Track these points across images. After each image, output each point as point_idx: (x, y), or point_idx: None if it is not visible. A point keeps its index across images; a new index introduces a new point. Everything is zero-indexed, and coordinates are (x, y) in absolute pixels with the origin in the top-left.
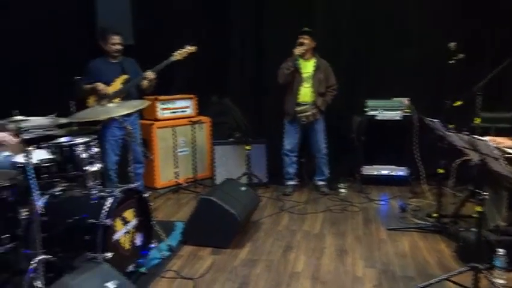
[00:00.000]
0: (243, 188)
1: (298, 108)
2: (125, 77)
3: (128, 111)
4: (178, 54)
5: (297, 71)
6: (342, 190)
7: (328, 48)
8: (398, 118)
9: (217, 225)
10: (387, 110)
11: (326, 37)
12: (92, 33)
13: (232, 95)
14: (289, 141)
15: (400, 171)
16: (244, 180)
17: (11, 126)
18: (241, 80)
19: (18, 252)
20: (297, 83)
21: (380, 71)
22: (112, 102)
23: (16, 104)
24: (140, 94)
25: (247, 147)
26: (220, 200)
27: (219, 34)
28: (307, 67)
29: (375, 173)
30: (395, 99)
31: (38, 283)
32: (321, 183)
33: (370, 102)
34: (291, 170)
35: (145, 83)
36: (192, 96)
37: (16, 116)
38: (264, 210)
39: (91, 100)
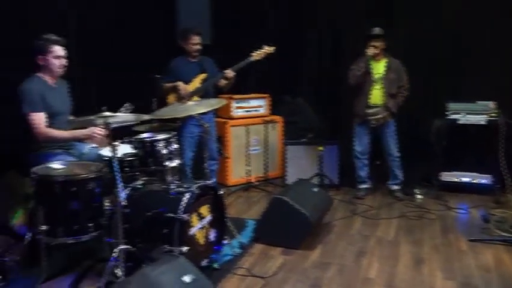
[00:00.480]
0: (316, 189)
1: (369, 111)
2: (203, 75)
3: (206, 110)
4: (257, 55)
5: (368, 72)
6: (419, 196)
7: (407, 47)
8: (482, 123)
9: (289, 225)
10: (471, 114)
11: (405, 35)
12: (171, 32)
13: (305, 95)
14: (360, 143)
15: (483, 179)
16: (315, 181)
17: (100, 121)
18: (315, 80)
19: (102, 240)
20: (368, 85)
21: (463, 72)
22: (191, 100)
23: (103, 100)
24: (216, 93)
25: (320, 148)
26: (292, 200)
27: (294, 34)
28: (379, 68)
29: (455, 179)
30: (479, 102)
31: (119, 271)
32: (395, 187)
33: (452, 105)
34: (363, 173)
35: (223, 81)
36: (265, 95)
37: (104, 111)
38: (336, 212)
39: (171, 98)
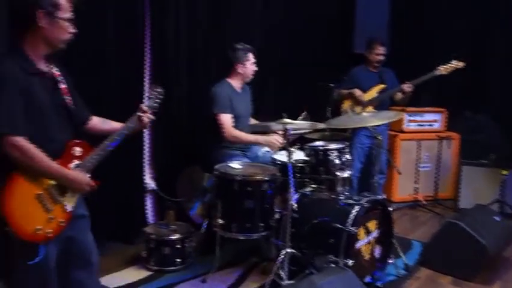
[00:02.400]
0: (497, 218)
1: None
2: (382, 86)
3: (382, 122)
4: (444, 69)
5: None
6: None
7: None
8: None
9: (462, 253)
10: None
11: None
12: (348, 42)
13: (489, 111)
14: None
15: None
16: (494, 208)
17: (278, 127)
18: (502, 94)
19: (269, 241)
20: None
21: None
22: (365, 110)
23: (279, 106)
24: (391, 105)
25: (504, 172)
26: (469, 227)
27: (479, 48)
28: None
29: None
30: None
31: (283, 273)
32: None
33: None
34: None
35: (399, 95)
36: (442, 109)
37: (285, 118)
38: None
39: (346, 104)
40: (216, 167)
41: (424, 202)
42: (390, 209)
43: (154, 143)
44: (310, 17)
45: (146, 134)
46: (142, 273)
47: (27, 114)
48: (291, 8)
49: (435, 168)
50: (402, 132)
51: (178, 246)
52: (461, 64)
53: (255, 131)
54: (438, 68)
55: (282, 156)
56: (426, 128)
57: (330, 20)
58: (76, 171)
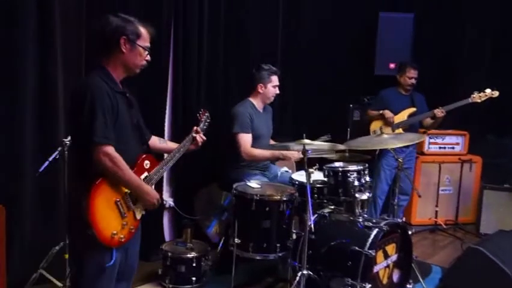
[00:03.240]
0: None
1: None
2: (412, 109)
3: (402, 145)
4: (478, 97)
5: None
6: None
7: None
8: None
9: (485, 282)
10: None
11: None
12: (370, 64)
13: None
14: None
15: None
16: None
17: (297, 147)
18: None
19: (285, 261)
20: None
21: None
22: (394, 132)
23: (299, 126)
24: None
25: None
26: (492, 255)
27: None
28: None
29: None
30: None
31: None
32: None
33: None
34: None
35: (428, 120)
36: (464, 132)
37: (304, 138)
38: None
39: (374, 125)
40: (235, 185)
41: (444, 226)
42: (410, 232)
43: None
44: (332, 37)
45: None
46: None
47: (114, 129)
48: (313, 28)
49: (456, 192)
50: (423, 154)
51: (194, 264)
52: (496, 93)
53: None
54: (473, 95)
55: (300, 177)
56: (448, 150)
57: (353, 41)
58: (148, 186)
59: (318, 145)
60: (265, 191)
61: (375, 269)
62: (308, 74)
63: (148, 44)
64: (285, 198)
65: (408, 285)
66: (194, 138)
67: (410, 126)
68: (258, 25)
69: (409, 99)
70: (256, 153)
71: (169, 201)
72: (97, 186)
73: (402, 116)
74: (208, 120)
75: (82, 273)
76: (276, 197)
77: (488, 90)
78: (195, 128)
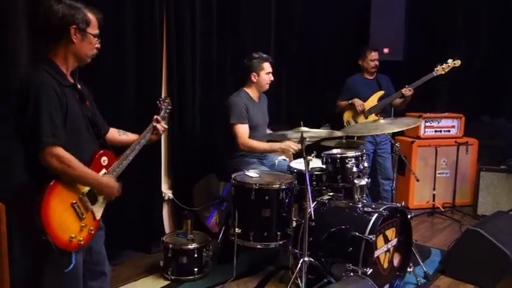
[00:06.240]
0: None
1: None
2: (381, 93)
3: (400, 129)
4: (441, 69)
5: None
6: None
7: None
8: None
9: (484, 262)
10: None
11: None
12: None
13: (508, 116)
14: None
15: None
16: None
17: (295, 135)
18: None
19: (286, 249)
20: None
21: None
22: (368, 118)
23: (294, 115)
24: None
25: None
26: (491, 235)
27: (496, 52)
28: None
29: None
30: None
31: (301, 283)
32: None
33: None
34: None
35: (398, 100)
36: (459, 115)
37: (301, 126)
38: None
39: (347, 115)
40: (233, 175)
41: (442, 209)
42: (409, 216)
43: (170, 152)
44: (324, 28)
45: (163, 143)
46: (160, 283)
47: (64, 126)
48: (306, 18)
49: (453, 175)
50: (419, 138)
51: (196, 255)
52: (458, 63)
53: (271, 140)
54: (436, 68)
55: (299, 165)
56: (444, 134)
57: (345, 32)
58: (107, 177)
59: (315, 132)
60: (264, 179)
61: (376, 253)
62: (301, 63)
63: (97, 31)
64: (284, 187)
65: (408, 269)
66: (155, 128)
67: (382, 110)
68: (253, 15)
69: (375, 82)
70: (254, 144)
71: (168, 193)
72: (50, 189)
73: (373, 101)
74: (169, 107)
75: (42, 278)
76: (275, 186)
77: (450, 61)
78: (155, 116)
